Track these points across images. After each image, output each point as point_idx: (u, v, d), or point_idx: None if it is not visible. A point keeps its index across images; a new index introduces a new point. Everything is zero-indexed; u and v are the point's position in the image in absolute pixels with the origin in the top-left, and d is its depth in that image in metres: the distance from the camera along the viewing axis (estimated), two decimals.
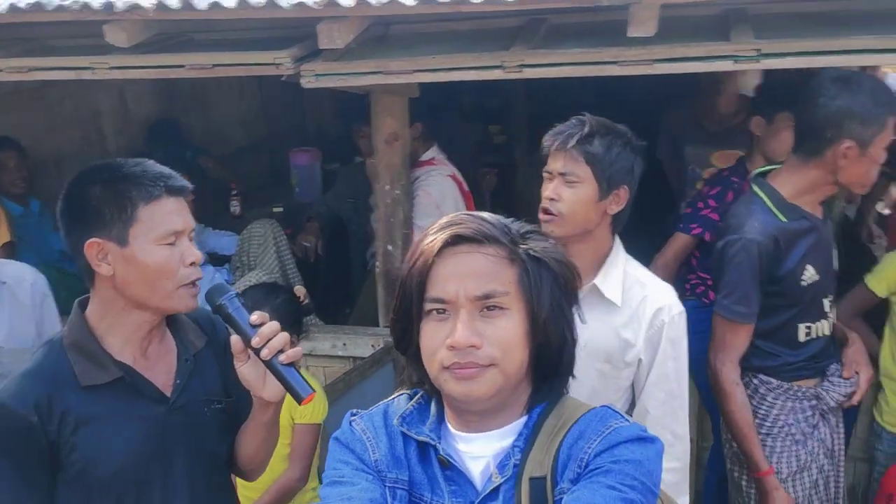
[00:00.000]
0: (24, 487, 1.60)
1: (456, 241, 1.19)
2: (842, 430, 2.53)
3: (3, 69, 2.79)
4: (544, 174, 2.04)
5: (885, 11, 2.61)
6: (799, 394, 2.42)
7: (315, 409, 2.57)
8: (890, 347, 2.79)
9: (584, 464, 1.14)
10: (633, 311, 2.00)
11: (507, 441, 1.21)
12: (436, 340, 1.18)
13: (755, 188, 2.38)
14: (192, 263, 1.63)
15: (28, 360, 2.56)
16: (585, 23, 2.84)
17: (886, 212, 4.45)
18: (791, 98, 2.88)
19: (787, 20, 2.64)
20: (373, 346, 3.33)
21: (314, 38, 2.54)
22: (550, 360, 1.23)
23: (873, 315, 2.85)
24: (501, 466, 1.19)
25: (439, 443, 1.22)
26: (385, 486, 1.21)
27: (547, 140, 2.01)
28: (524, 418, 1.23)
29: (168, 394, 1.67)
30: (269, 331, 1.51)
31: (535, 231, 1.25)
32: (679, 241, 3.06)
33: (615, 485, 1.10)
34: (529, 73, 2.49)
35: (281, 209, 4.56)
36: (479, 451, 1.22)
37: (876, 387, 2.80)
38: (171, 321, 1.74)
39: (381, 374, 3.28)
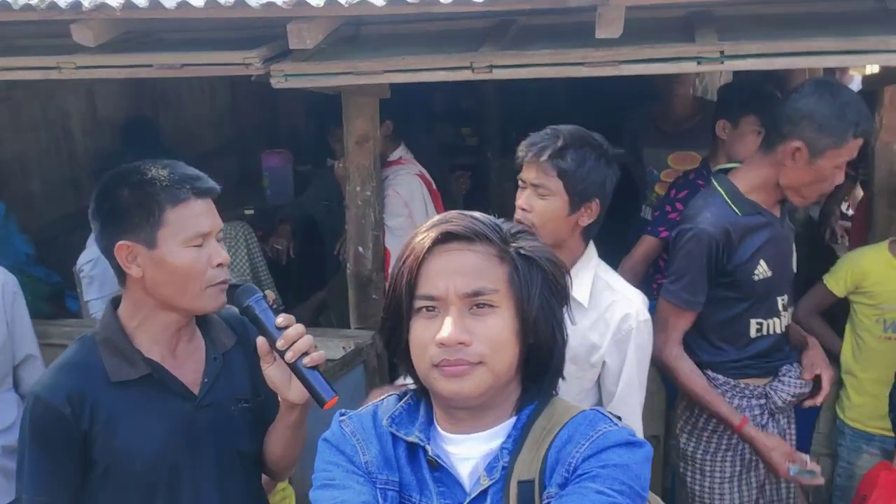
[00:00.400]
0: (54, 478, 1.63)
1: (446, 238, 1.19)
2: (793, 430, 2.55)
3: None
4: (519, 181, 2.08)
5: (846, 14, 2.67)
6: (747, 392, 2.44)
7: None
8: (851, 345, 2.84)
9: (572, 468, 1.15)
10: (601, 314, 2.04)
11: (496, 442, 1.21)
12: (425, 338, 1.18)
13: (714, 182, 2.42)
14: (220, 265, 1.66)
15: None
16: (554, 25, 2.87)
17: (850, 212, 4.53)
18: (757, 101, 2.95)
19: (749, 23, 2.69)
20: (344, 348, 3.32)
21: (285, 38, 2.54)
22: (540, 359, 1.24)
23: (838, 314, 2.91)
24: (490, 468, 1.19)
25: (428, 444, 1.22)
26: (376, 487, 1.21)
27: (521, 150, 2.05)
28: (513, 419, 1.23)
29: (196, 391, 1.71)
30: (293, 333, 1.54)
31: (525, 231, 1.27)
32: (647, 244, 3.10)
33: (604, 490, 1.10)
34: (499, 74, 2.51)
35: (252, 211, 4.54)
36: (468, 453, 1.22)
37: (837, 384, 2.86)
38: (202, 320, 1.78)
39: (352, 376, 3.27)
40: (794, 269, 2.52)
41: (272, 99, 6.02)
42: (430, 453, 1.21)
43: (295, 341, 1.53)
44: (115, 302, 1.73)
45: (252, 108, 6.19)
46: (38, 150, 4.49)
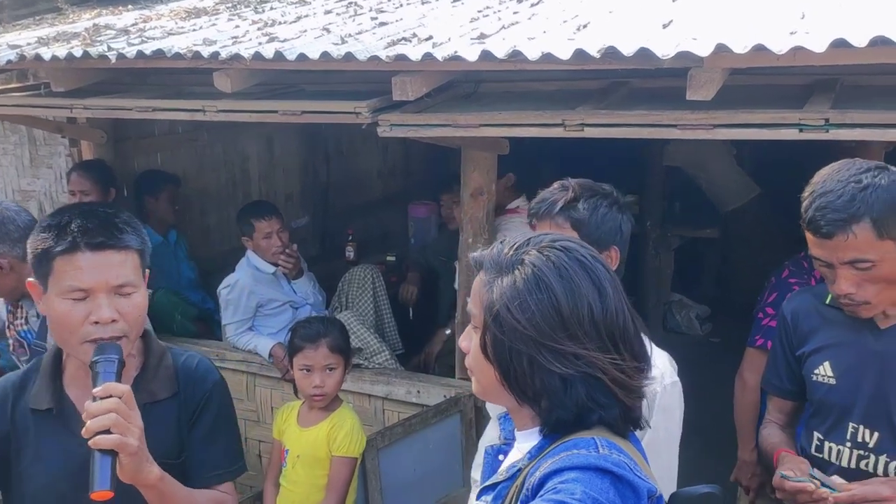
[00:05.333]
0: None
1: None
2: None
3: (132, 108, 3.17)
4: None
5: None
6: None
7: (352, 444, 2.65)
8: None
9: (532, 487, 1.15)
10: None
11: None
12: None
13: None
14: (97, 322, 1.55)
15: None
16: (669, 87, 2.80)
17: None
18: None
19: (874, 93, 2.48)
20: (444, 395, 3.37)
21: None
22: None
23: None
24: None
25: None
26: None
27: (532, 208, 2.00)
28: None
29: None
30: (95, 408, 1.39)
31: None
32: (749, 357, 2.82)
33: (566, 500, 1.08)
34: (590, 133, 2.50)
35: (394, 258, 4.75)
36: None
37: None
38: (145, 364, 1.71)
39: (447, 425, 3.30)
40: None
41: (449, 155, 6.30)
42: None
43: (95, 416, 1.38)
44: None
45: (425, 164, 6.48)
46: (217, 188, 4.99)
